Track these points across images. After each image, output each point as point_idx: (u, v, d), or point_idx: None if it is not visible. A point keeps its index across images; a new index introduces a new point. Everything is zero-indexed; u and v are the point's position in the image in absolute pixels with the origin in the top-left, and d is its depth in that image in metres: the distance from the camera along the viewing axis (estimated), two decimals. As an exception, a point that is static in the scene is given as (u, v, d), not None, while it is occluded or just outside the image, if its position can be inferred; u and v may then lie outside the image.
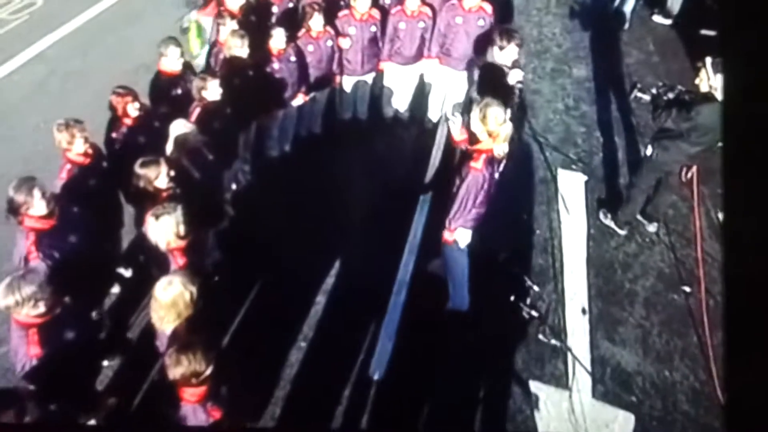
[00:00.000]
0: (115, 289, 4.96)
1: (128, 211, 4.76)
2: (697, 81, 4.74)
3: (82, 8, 9.24)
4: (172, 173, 4.03)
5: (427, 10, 6.30)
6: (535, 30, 8.67)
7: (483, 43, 6.19)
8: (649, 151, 5.19)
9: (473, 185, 4.19)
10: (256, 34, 5.67)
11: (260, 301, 5.07)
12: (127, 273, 5.10)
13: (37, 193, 3.71)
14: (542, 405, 4.39)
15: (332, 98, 6.77)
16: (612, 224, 5.70)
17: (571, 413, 4.31)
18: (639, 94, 5.05)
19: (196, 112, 4.87)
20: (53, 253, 3.82)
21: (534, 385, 4.48)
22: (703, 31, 7.45)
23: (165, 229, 3.54)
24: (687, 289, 5.13)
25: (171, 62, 5.21)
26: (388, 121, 7.13)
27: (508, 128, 4.27)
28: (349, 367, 4.62)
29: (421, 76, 6.84)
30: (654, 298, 5.10)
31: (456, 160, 4.74)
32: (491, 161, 4.25)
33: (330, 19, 6.14)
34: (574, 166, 6.43)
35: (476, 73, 5.56)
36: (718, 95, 4.48)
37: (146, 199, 3.95)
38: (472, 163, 4.19)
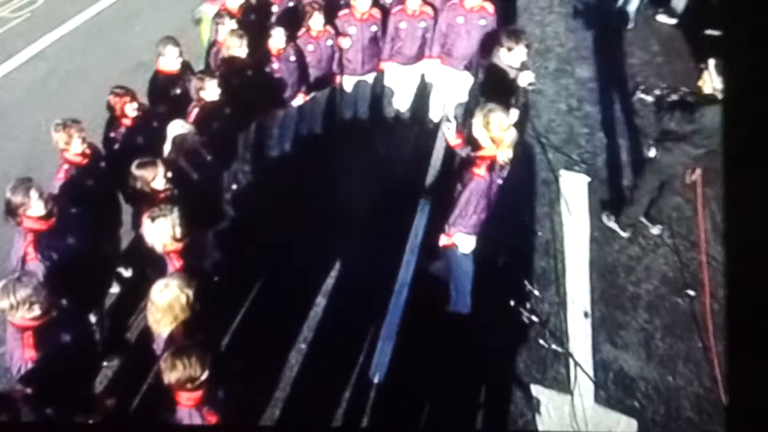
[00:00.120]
0: (115, 289, 4.93)
1: (127, 211, 4.72)
2: (700, 83, 4.69)
3: (83, 6, 9.22)
4: (170, 174, 3.99)
5: (429, 10, 6.24)
6: (537, 29, 8.60)
7: (485, 43, 6.15)
8: (652, 153, 5.14)
9: (475, 192, 4.14)
10: (255, 33, 5.64)
11: (260, 301, 5.04)
12: (126, 273, 5.07)
13: (34, 194, 3.68)
14: (543, 409, 4.35)
15: (332, 98, 6.71)
16: (615, 226, 5.64)
17: (572, 418, 4.27)
18: (642, 96, 5.02)
19: (194, 112, 4.84)
20: (51, 254, 3.79)
21: (535, 389, 4.44)
22: (708, 31, 7.37)
23: (161, 232, 3.51)
24: (691, 292, 5.06)
25: (169, 62, 5.17)
26: (388, 122, 7.08)
27: (512, 134, 4.20)
28: (349, 369, 4.58)
29: (422, 76, 6.78)
30: (657, 302, 5.04)
31: (456, 162, 4.69)
32: (494, 168, 4.19)
33: (330, 18, 6.10)
34: (576, 168, 6.37)
35: (481, 75, 5.49)
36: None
37: (143, 201, 3.92)
38: (475, 170, 4.13)
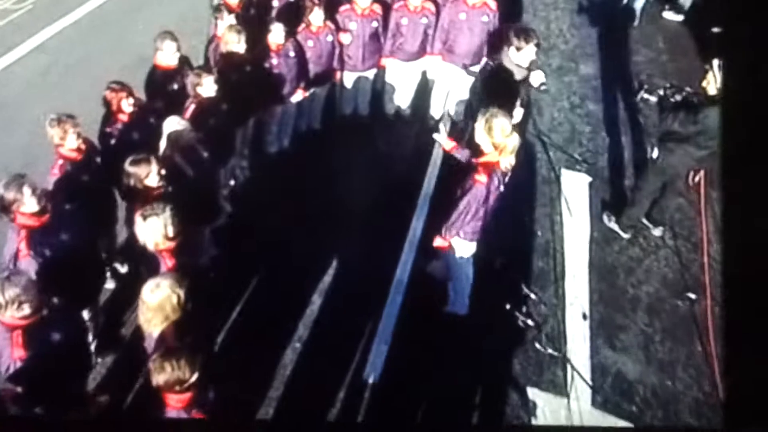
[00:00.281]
0: (111, 285, 4.90)
1: (123, 207, 4.70)
2: (704, 84, 4.61)
3: (85, -1, 9.19)
4: (163, 171, 3.95)
5: (431, 6, 6.17)
6: (542, 26, 8.49)
7: (489, 40, 6.10)
8: (654, 153, 5.08)
9: (474, 199, 4.08)
10: (255, 28, 5.58)
11: (256, 299, 5.01)
12: (122, 269, 5.04)
13: (27, 190, 3.65)
14: (540, 412, 4.31)
15: (332, 94, 6.66)
16: (616, 227, 5.57)
17: (569, 422, 4.22)
18: (646, 95, 4.94)
19: (190, 108, 4.79)
20: (44, 251, 3.76)
21: (532, 392, 4.40)
22: (716, 29, 7.27)
23: (152, 231, 3.47)
24: (692, 295, 5.00)
25: (167, 56, 5.14)
26: (389, 119, 7.01)
27: (515, 140, 4.12)
28: (344, 369, 4.55)
29: (424, 73, 6.72)
30: (657, 305, 4.98)
31: (456, 161, 4.63)
32: (496, 175, 4.12)
33: (330, 13, 6.04)
34: (578, 167, 6.31)
35: (486, 75, 5.39)
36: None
37: (136, 198, 3.88)
38: (476, 176, 4.06)
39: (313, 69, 6.09)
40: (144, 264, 3.66)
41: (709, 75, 4.54)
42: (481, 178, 4.05)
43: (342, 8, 6.14)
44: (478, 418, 4.33)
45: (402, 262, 5.28)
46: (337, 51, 6.19)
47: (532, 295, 4.95)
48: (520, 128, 4.98)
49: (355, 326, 4.79)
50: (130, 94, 4.68)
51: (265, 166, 6.19)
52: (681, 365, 4.55)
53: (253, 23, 5.79)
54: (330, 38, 6.06)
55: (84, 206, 4.17)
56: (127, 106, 4.65)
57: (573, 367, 4.47)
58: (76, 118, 4.28)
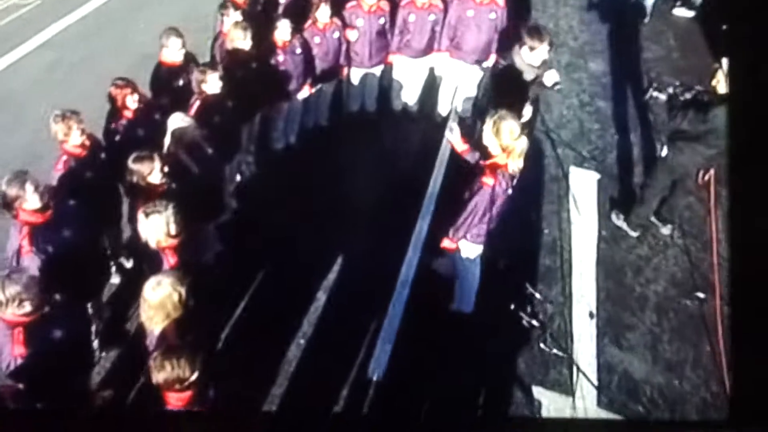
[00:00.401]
0: (116, 280, 4.91)
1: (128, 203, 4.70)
2: (714, 82, 4.54)
3: (92, -6, 9.21)
4: (167, 169, 3.93)
5: (438, 2, 6.13)
6: (551, 22, 8.40)
7: (497, 37, 6.04)
8: (664, 152, 5.01)
9: (482, 202, 4.03)
10: (261, 25, 5.56)
11: (261, 295, 5.00)
12: (128, 264, 5.05)
13: (29, 186, 3.64)
14: (545, 412, 4.27)
15: (339, 91, 6.64)
16: (624, 225, 5.51)
17: (574, 422, 4.18)
18: (655, 94, 4.87)
19: (195, 105, 4.78)
20: (47, 247, 3.76)
21: (537, 391, 4.36)
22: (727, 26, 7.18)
23: (155, 228, 3.47)
24: (701, 295, 4.94)
25: (172, 53, 5.12)
26: (396, 115, 6.97)
27: (523, 143, 4.07)
28: (348, 367, 4.52)
29: (431, 70, 6.68)
30: (666, 304, 4.92)
31: (464, 160, 4.58)
32: (504, 178, 4.07)
33: (337, 10, 6.01)
34: (586, 164, 6.25)
35: (497, 73, 5.32)
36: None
37: (139, 195, 3.87)
38: (484, 179, 4.01)
39: (319, 66, 6.07)
40: (146, 261, 3.66)
41: (719, 73, 4.48)
42: (489, 180, 4.01)
43: (349, 5, 6.10)
44: (482, 417, 4.29)
45: (407, 259, 5.24)
46: (343, 48, 6.16)
47: (537, 295, 4.90)
48: (528, 127, 4.94)
49: (359, 324, 4.77)
50: (135, 90, 4.67)
51: (271, 162, 6.18)
52: (689, 365, 4.50)
53: (260, 20, 5.76)
54: (337, 35, 6.03)
55: (88, 202, 4.15)
56: (132, 102, 4.64)
57: (579, 368, 4.42)
58: (80, 114, 4.27)
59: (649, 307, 4.91)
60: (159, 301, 3.12)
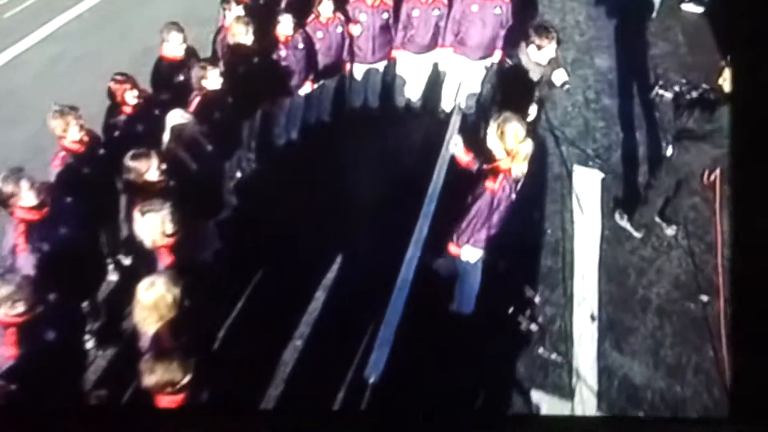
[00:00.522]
0: (113, 277, 4.89)
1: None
2: (720, 81, 4.46)
3: (97, -13, 9.16)
4: (164, 166, 3.90)
5: (442, -3, 6.06)
6: (557, 17, 8.31)
7: (502, 33, 5.97)
8: (669, 151, 4.93)
9: (486, 206, 3.98)
10: (263, 19, 5.51)
11: (258, 293, 4.96)
12: (126, 261, 5.02)
13: (24, 184, 3.63)
14: (544, 415, 4.23)
15: (341, 87, 6.59)
16: (628, 226, 5.44)
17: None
18: (661, 92, 4.80)
19: (195, 101, 4.74)
20: (43, 245, 3.74)
21: (536, 395, 4.31)
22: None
23: (150, 227, 3.44)
24: (705, 298, 4.87)
25: (173, 48, 5.09)
26: (399, 111, 6.91)
27: (528, 147, 4.00)
28: (346, 367, 4.49)
29: (435, 66, 6.62)
30: (668, 307, 4.85)
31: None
32: (508, 182, 4.00)
33: (340, 4, 5.96)
34: (590, 163, 6.16)
35: (505, 75, 5.24)
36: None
37: (136, 193, 3.84)
38: (488, 183, 3.95)
39: (322, 61, 6.02)
40: (142, 260, 3.64)
41: (726, 72, 4.39)
42: (493, 185, 3.95)
43: (352, -1, 6.05)
44: (480, 420, 4.25)
45: (408, 258, 5.20)
46: (346, 42, 6.12)
47: (537, 298, 4.84)
48: (532, 126, 4.87)
49: (357, 323, 4.72)
50: (135, 85, 4.64)
51: (272, 158, 6.15)
52: (691, 370, 4.43)
53: (262, 14, 5.71)
54: (340, 30, 5.98)
55: (85, 199, 4.13)
56: (132, 97, 4.62)
57: (578, 374, 4.37)
58: (78, 110, 4.25)
59: (652, 309, 4.84)
60: (152, 302, 3.10)
